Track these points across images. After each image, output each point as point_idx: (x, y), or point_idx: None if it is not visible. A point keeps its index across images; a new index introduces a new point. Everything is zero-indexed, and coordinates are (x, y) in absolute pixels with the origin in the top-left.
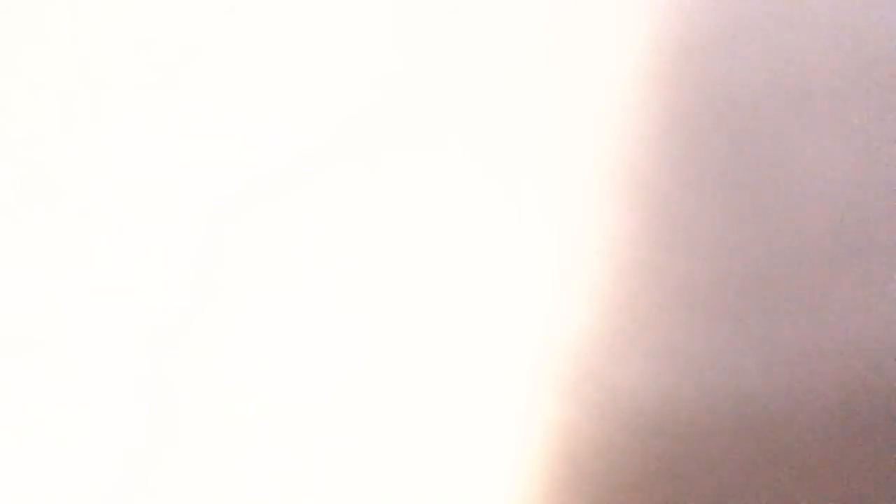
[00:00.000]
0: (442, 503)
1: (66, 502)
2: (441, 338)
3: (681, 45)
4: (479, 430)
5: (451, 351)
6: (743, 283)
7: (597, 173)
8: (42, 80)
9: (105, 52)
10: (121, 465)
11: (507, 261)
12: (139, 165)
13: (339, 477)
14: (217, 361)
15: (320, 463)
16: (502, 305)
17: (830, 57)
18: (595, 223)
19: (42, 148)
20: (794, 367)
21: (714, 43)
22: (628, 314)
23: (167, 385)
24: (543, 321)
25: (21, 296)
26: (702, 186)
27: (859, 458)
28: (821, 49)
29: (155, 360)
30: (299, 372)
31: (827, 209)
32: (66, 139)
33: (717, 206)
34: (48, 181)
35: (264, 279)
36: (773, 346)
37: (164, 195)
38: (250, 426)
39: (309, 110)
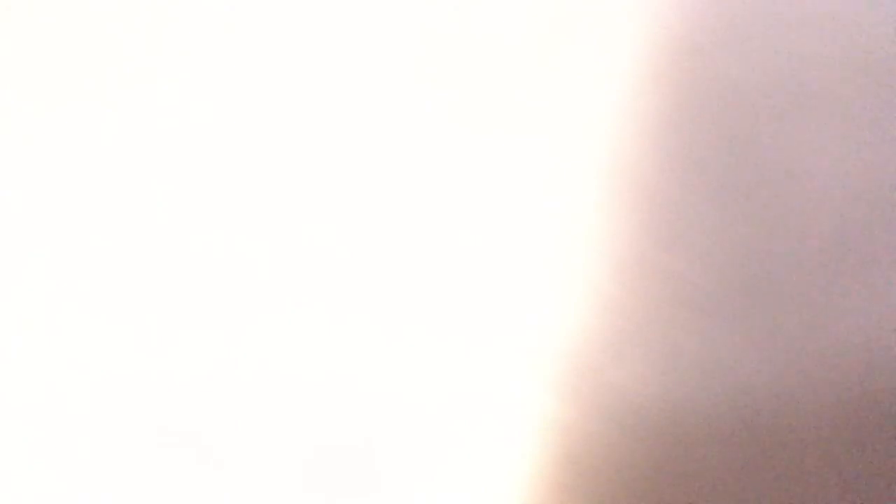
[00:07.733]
0: (441, 503)
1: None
2: (440, 338)
3: (681, 45)
4: (479, 430)
5: (450, 351)
6: (743, 283)
7: (597, 173)
8: (42, 80)
9: (104, 51)
10: (123, 473)
11: (507, 260)
12: (138, 165)
13: (339, 477)
14: (217, 361)
15: (320, 463)
16: (502, 305)
17: (830, 57)
18: (595, 223)
19: (42, 147)
20: (795, 367)
21: (714, 43)
22: (628, 314)
23: (167, 385)
24: (543, 321)
25: (20, 295)
26: (702, 186)
27: (859, 458)
28: (821, 49)
29: (154, 358)
30: (299, 371)
31: (827, 209)
32: (66, 138)
33: (717, 206)
34: (48, 180)
35: (264, 279)
36: (774, 346)
37: (163, 195)
38: (251, 427)
39: (308, 110)
